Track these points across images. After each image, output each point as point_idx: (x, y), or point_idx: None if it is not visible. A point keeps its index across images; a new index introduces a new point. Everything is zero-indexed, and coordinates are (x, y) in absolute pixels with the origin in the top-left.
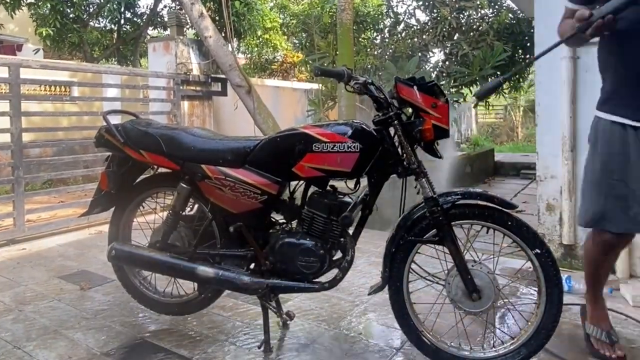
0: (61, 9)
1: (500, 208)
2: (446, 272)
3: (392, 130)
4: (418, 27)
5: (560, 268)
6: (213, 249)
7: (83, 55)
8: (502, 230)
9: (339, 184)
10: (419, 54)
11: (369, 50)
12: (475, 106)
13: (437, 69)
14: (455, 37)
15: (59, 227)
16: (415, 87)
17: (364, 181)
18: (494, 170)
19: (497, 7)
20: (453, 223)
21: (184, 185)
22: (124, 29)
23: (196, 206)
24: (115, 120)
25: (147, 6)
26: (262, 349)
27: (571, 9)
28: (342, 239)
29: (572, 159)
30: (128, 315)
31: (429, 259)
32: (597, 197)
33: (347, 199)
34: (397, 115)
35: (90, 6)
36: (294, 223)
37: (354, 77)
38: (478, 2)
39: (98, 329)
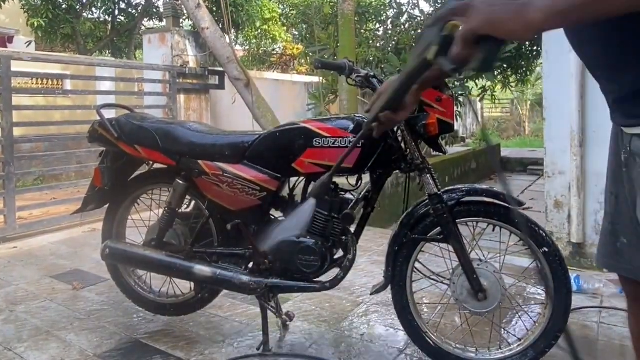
0: None
1: (507, 205)
2: (451, 271)
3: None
4: (422, 19)
5: (568, 267)
6: (210, 247)
7: (76, 48)
8: (508, 228)
9: (341, 181)
10: None
11: (371, 42)
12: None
13: None
14: None
15: (51, 225)
16: None
17: (366, 177)
18: (500, 166)
19: None
20: (458, 220)
21: (180, 182)
22: (119, 20)
23: (193, 203)
24: (109, 114)
25: None
26: (261, 350)
27: None
28: (343, 237)
29: (580, 155)
30: (122, 315)
31: (433, 257)
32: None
33: (348, 195)
34: None
35: None
36: None
37: (355, 70)
38: None
39: (91, 330)
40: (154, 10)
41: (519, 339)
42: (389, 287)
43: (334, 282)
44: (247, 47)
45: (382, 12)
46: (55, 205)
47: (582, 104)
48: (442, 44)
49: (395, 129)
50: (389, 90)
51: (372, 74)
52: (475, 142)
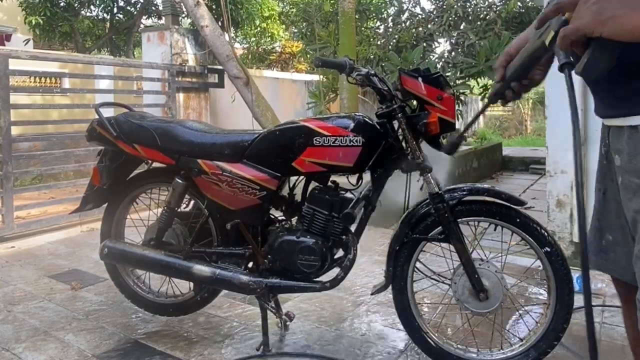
0: None
1: (509, 204)
2: (452, 271)
3: (396, 124)
4: (423, 16)
5: (570, 267)
6: (209, 247)
7: (74, 46)
8: (510, 228)
9: (341, 180)
10: (424, 44)
11: (371, 40)
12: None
13: (443, 60)
14: (461, 27)
15: (49, 225)
16: (419, 79)
17: (366, 176)
18: (502, 165)
19: None
20: (459, 220)
21: (180, 181)
22: (117, 18)
23: (192, 202)
24: (107, 113)
25: None
26: (260, 350)
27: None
28: (343, 237)
29: (583, 153)
30: (121, 316)
31: (435, 257)
32: None
33: (349, 195)
34: (401, 108)
35: None
36: (294, 220)
37: (356, 68)
38: None
39: (90, 331)
40: (153, 8)
41: (521, 339)
42: (390, 287)
43: (334, 282)
44: (246, 45)
45: (382, 10)
46: (53, 204)
47: (584, 102)
48: (559, 30)
49: (396, 127)
50: (515, 63)
51: (372, 72)
52: (477, 140)
